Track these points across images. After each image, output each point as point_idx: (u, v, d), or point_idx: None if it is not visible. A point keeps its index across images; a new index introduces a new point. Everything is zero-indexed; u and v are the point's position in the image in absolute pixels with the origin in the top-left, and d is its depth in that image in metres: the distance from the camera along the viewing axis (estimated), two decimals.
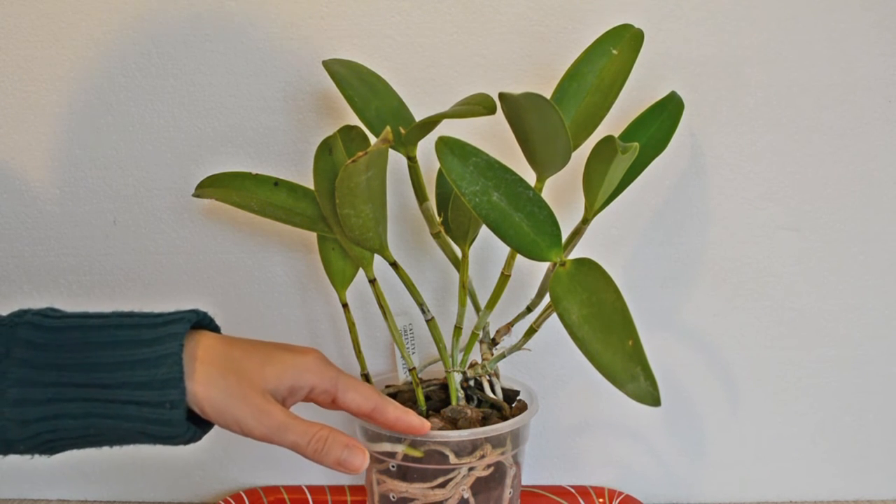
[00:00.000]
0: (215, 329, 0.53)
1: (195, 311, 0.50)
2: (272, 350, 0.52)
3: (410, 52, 0.70)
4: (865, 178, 0.72)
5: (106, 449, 0.78)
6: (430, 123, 0.56)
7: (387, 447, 0.60)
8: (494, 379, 0.65)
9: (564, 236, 0.53)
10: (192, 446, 0.78)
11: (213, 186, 0.66)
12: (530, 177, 0.54)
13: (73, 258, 0.75)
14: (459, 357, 0.64)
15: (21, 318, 0.47)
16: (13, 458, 0.79)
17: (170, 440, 0.48)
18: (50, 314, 0.48)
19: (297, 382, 0.52)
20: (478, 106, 0.54)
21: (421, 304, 0.62)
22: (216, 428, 0.77)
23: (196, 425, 0.49)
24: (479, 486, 0.60)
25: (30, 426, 0.45)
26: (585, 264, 0.50)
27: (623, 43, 0.63)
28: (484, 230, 0.62)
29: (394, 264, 0.61)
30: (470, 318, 0.63)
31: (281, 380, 0.51)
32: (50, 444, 0.46)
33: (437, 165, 0.57)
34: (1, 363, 0.45)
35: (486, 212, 0.52)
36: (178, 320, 0.48)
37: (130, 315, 0.49)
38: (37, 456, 0.47)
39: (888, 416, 0.76)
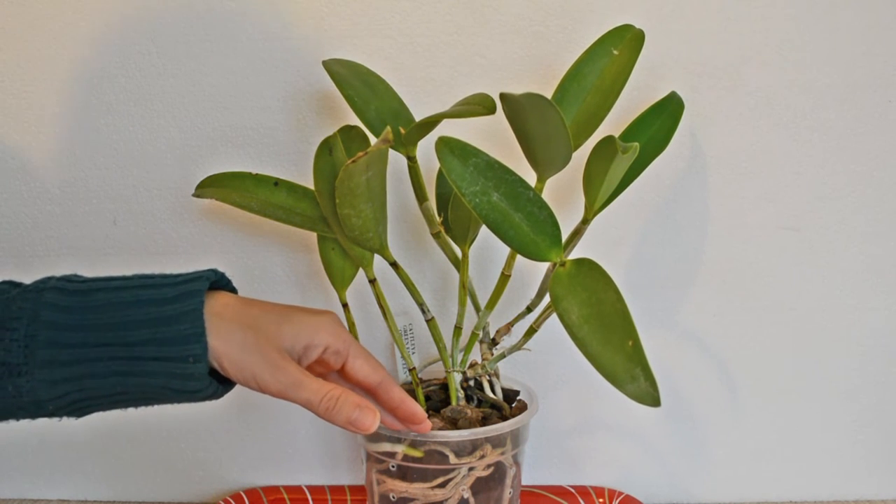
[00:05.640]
0: (232, 290, 0.54)
1: (213, 271, 0.52)
2: (289, 310, 0.54)
3: (410, 52, 0.70)
4: (865, 178, 0.72)
5: (105, 447, 0.79)
6: (430, 123, 0.56)
7: (387, 447, 0.60)
8: (494, 379, 0.65)
9: (564, 236, 0.53)
10: (191, 446, 0.79)
11: (213, 186, 0.66)
12: (531, 177, 0.54)
13: (73, 258, 0.75)
14: (459, 357, 0.64)
15: (46, 284, 0.48)
16: (12, 457, 0.80)
17: (193, 395, 0.49)
18: (73, 279, 0.49)
19: (312, 341, 0.53)
20: (478, 106, 0.54)
21: (421, 304, 0.62)
22: (216, 428, 0.78)
23: (218, 382, 0.50)
24: (479, 486, 0.60)
25: (58, 386, 0.46)
26: (585, 264, 0.50)
27: (624, 43, 0.63)
28: (484, 230, 0.62)
29: (394, 264, 0.61)
30: (470, 318, 0.63)
31: (297, 338, 0.52)
32: (78, 405, 0.48)
33: (437, 165, 0.57)
34: (29, 326, 0.46)
35: (486, 212, 0.52)
36: (198, 278, 0.50)
37: (152, 276, 0.50)
38: (64, 419, 0.49)
39: (888, 415, 0.76)
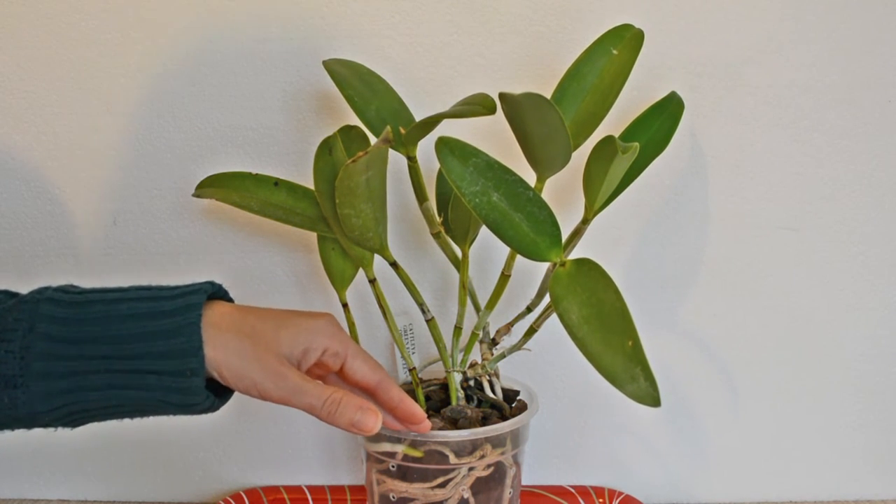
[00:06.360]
0: (229, 300, 0.54)
1: (211, 283, 0.52)
2: (286, 315, 0.54)
3: (410, 52, 0.70)
4: (865, 178, 0.72)
5: (105, 448, 0.79)
6: (430, 123, 0.56)
7: (387, 447, 0.60)
8: (494, 379, 0.65)
9: (564, 236, 0.53)
10: (191, 446, 0.79)
11: (213, 186, 0.66)
12: (530, 177, 0.54)
13: (73, 258, 0.75)
14: (459, 357, 0.64)
15: (42, 295, 0.48)
16: (12, 457, 0.80)
17: (189, 408, 0.49)
18: (70, 290, 0.49)
19: (310, 344, 0.53)
20: (478, 106, 0.54)
21: (421, 304, 0.62)
22: (216, 428, 0.78)
23: (215, 395, 0.50)
24: (479, 486, 0.60)
25: (54, 398, 0.46)
26: (585, 264, 0.50)
27: (623, 43, 0.63)
28: (484, 230, 0.62)
29: (394, 264, 0.61)
30: (470, 318, 0.63)
31: (295, 342, 0.52)
32: (73, 416, 0.48)
33: (437, 165, 0.56)
34: (25, 338, 0.46)
35: (486, 212, 0.52)
36: (196, 291, 0.50)
37: (148, 288, 0.50)
38: (60, 429, 0.49)
39: (888, 416, 0.76)
